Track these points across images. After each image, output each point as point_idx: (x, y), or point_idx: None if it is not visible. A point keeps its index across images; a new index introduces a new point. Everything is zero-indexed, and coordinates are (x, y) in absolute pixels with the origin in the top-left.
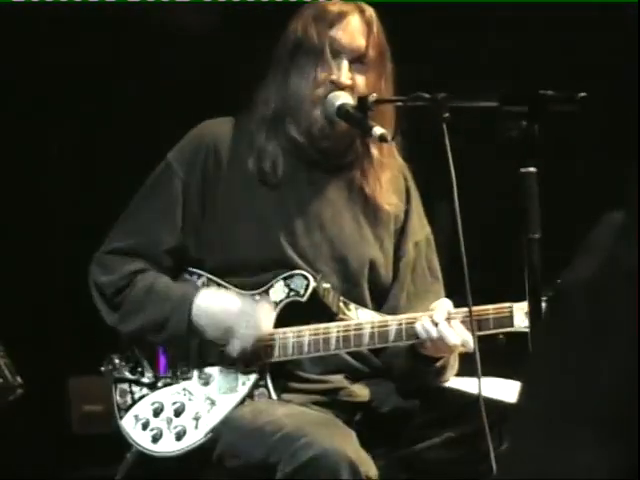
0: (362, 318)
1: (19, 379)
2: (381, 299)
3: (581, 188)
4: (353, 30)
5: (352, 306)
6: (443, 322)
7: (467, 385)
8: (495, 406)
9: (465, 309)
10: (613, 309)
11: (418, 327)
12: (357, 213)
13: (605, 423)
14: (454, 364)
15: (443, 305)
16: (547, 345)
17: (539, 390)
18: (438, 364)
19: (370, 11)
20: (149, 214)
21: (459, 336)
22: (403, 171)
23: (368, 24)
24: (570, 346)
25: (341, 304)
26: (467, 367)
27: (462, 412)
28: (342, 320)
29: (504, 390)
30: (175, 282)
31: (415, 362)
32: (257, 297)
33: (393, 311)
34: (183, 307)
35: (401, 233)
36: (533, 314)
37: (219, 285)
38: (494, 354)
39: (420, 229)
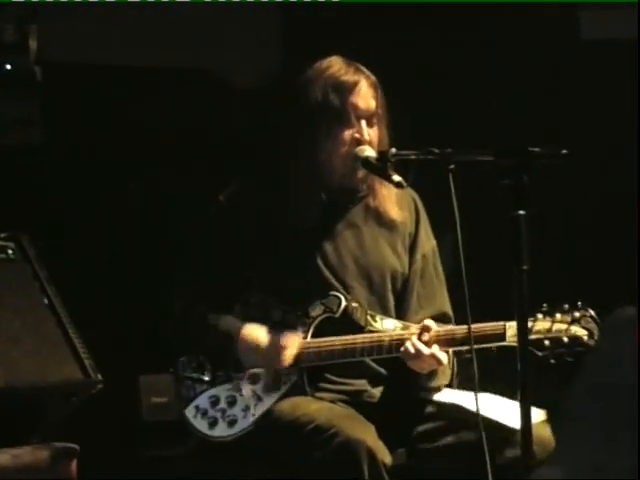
0: (386, 326)
1: (99, 376)
2: (397, 304)
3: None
4: (366, 95)
5: (378, 317)
6: (421, 347)
7: (466, 401)
8: (489, 424)
9: (464, 326)
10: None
11: (402, 349)
12: (375, 232)
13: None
14: (443, 372)
15: (425, 328)
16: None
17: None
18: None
19: (372, 76)
20: (207, 247)
21: (433, 358)
22: (411, 194)
23: (375, 88)
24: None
25: (368, 317)
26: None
27: (461, 424)
28: (369, 331)
29: (498, 408)
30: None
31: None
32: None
33: (406, 312)
34: (228, 340)
35: (412, 247)
36: (520, 330)
37: (268, 303)
38: (488, 371)
39: (427, 242)
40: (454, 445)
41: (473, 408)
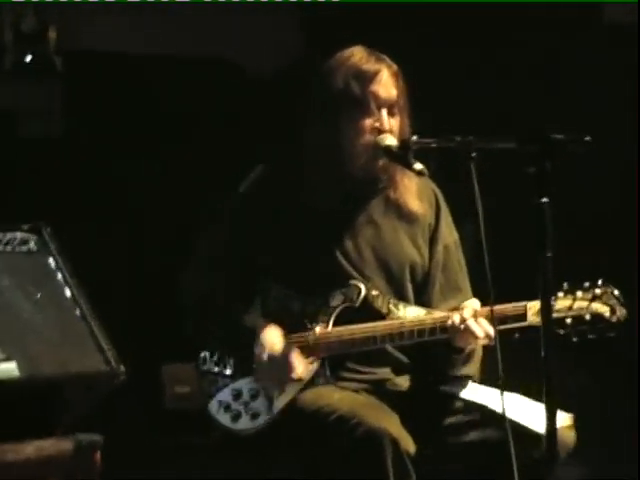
0: (409, 314)
1: (122, 367)
2: (419, 296)
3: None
4: (387, 84)
5: (400, 305)
6: (470, 319)
7: (492, 400)
8: (514, 426)
9: (486, 308)
10: None
11: (449, 322)
12: (395, 224)
13: None
14: (477, 360)
15: (471, 304)
16: None
17: None
18: (466, 352)
19: (394, 65)
20: (227, 238)
21: (483, 330)
22: (431, 186)
23: (396, 77)
24: None
25: (391, 305)
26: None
27: (487, 422)
28: (392, 319)
29: (524, 410)
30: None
31: (448, 351)
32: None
33: (428, 303)
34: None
35: (432, 239)
36: (544, 312)
37: (287, 294)
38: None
39: (449, 234)
40: (478, 442)
41: (499, 409)
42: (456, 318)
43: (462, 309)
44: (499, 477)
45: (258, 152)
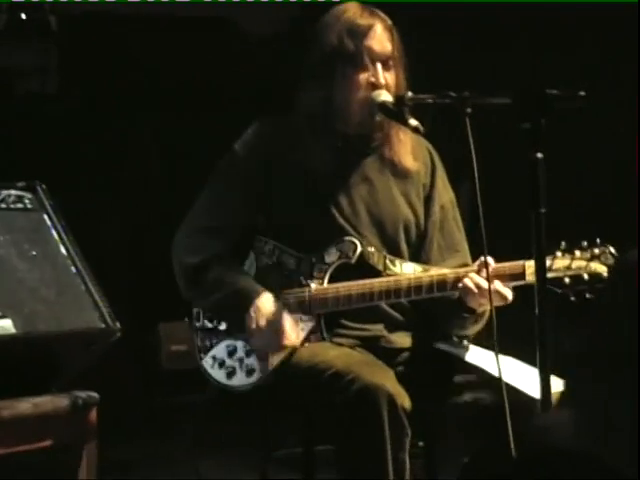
0: (406, 271)
1: (118, 325)
2: (417, 255)
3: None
4: (381, 38)
5: (397, 262)
6: (478, 277)
7: (488, 363)
8: (509, 390)
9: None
10: None
11: (465, 281)
12: (389, 182)
13: None
14: (484, 320)
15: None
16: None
17: None
18: (477, 312)
19: (388, 20)
20: (222, 197)
21: (495, 291)
22: (427, 146)
23: (390, 31)
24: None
25: (387, 262)
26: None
27: (482, 384)
28: (388, 275)
29: (519, 374)
30: (241, 274)
31: (459, 310)
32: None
33: (426, 262)
34: (244, 302)
35: (428, 198)
36: (539, 270)
37: (282, 251)
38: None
39: (445, 193)
40: (472, 403)
41: (494, 372)
42: (467, 282)
43: (434, 277)
44: (492, 438)
45: (258, 111)
